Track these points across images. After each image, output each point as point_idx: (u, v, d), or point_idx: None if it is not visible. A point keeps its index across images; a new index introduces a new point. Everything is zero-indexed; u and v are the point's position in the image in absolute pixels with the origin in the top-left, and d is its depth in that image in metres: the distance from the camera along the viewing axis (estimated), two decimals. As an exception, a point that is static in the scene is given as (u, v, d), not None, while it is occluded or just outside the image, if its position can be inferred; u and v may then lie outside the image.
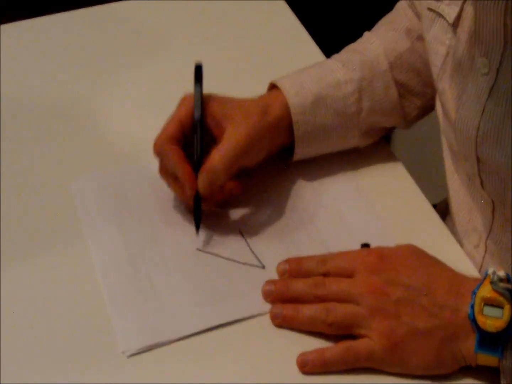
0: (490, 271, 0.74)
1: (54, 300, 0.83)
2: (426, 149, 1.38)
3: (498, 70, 0.77)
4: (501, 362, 0.74)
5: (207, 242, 0.88)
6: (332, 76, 0.93)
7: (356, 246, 0.85)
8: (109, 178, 0.95)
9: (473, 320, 0.74)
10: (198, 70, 0.90)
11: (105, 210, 0.91)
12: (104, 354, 0.78)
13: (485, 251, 0.89)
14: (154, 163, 0.94)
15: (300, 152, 0.93)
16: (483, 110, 0.79)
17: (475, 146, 0.81)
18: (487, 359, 0.75)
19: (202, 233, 0.88)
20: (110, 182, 0.94)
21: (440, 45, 0.84)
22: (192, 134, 0.88)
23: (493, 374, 0.76)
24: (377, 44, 0.96)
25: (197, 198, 0.87)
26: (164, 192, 0.92)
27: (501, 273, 0.73)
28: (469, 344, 0.75)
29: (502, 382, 0.75)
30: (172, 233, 0.89)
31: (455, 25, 0.82)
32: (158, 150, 0.88)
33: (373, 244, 0.84)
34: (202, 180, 0.86)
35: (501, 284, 0.72)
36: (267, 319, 0.81)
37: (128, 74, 1.09)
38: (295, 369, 0.77)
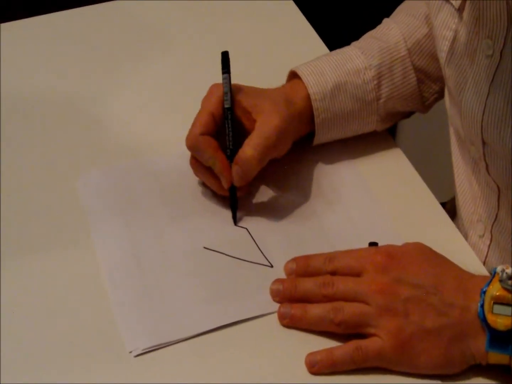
0: (499, 269, 0.73)
1: (59, 298, 0.83)
2: (434, 148, 1.38)
3: (502, 52, 0.77)
4: None
5: (215, 240, 0.87)
6: (351, 63, 0.94)
7: (363, 243, 0.84)
8: (114, 174, 0.95)
9: (483, 320, 0.73)
10: (225, 57, 0.90)
11: (110, 207, 0.91)
12: (110, 354, 0.78)
13: (491, 240, 0.89)
14: (159, 159, 0.95)
15: (320, 138, 0.94)
16: (488, 93, 0.79)
17: (480, 129, 0.81)
18: (498, 357, 0.74)
19: (209, 231, 0.88)
20: (115, 178, 0.94)
21: (447, 30, 0.85)
22: (223, 124, 0.89)
23: (503, 373, 0.75)
24: (396, 30, 0.96)
25: (233, 189, 0.88)
26: (170, 188, 0.92)
27: (510, 271, 0.72)
28: (479, 343, 0.74)
29: None
30: (179, 231, 0.89)
31: (460, 9, 0.82)
32: (192, 144, 0.88)
33: (380, 241, 0.84)
34: (237, 172, 0.87)
35: (511, 282, 0.72)
36: (274, 318, 0.81)
37: (131, 71, 1.08)
38: (303, 369, 0.77)
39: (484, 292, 0.74)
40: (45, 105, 1.03)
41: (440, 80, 0.96)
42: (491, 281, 0.74)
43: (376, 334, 0.76)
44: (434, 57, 0.95)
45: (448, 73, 0.86)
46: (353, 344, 0.77)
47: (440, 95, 0.98)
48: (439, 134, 0.94)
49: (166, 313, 0.81)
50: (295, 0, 1.18)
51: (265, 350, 0.79)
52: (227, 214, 0.90)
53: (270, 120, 0.88)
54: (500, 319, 0.72)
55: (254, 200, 0.92)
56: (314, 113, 0.92)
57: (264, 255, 0.86)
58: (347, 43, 0.99)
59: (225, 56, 0.90)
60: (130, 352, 0.78)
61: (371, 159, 0.96)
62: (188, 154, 0.91)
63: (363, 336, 0.77)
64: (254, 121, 0.88)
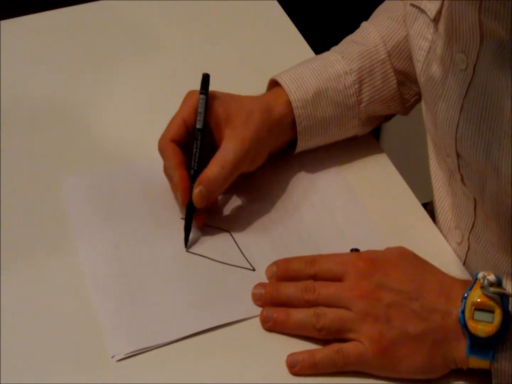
0: (480, 275, 0.73)
1: (42, 303, 0.82)
2: (417, 149, 1.38)
3: (475, 67, 0.77)
4: (493, 365, 0.74)
5: (197, 244, 0.87)
6: (332, 68, 0.94)
7: (346, 246, 0.84)
8: (99, 178, 0.94)
9: (464, 326, 0.74)
10: (205, 80, 0.89)
11: (95, 212, 0.90)
12: (93, 358, 0.78)
13: (468, 248, 0.89)
14: (145, 163, 0.94)
15: (303, 145, 0.94)
16: (462, 107, 0.79)
17: (455, 142, 0.81)
18: (479, 362, 0.74)
19: (193, 235, 0.88)
20: (101, 182, 0.93)
21: (423, 40, 0.85)
22: (193, 139, 0.88)
23: (483, 377, 0.76)
24: (375, 33, 0.96)
25: (190, 208, 0.87)
26: (155, 193, 0.92)
27: (491, 277, 0.72)
28: (460, 348, 0.75)
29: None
30: (163, 235, 0.88)
31: (436, 20, 0.82)
32: (160, 148, 0.88)
33: (363, 243, 0.84)
34: (200, 192, 0.85)
35: (492, 289, 0.72)
36: (256, 322, 0.81)
37: (118, 73, 1.08)
38: (284, 369, 0.77)
39: (465, 298, 0.74)
40: (30, 107, 1.02)
41: None
42: (472, 286, 0.74)
43: (357, 340, 0.76)
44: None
45: (424, 83, 0.86)
46: (334, 347, 0.77)
47: (420, 97, 0.97)
48: (423, 136, 0.94)
49: (148, 318, 0.81)
50: (279, 0, 1.17)
51: (247, 353, 0.79)
52: (210, 218, 0.89)
53: (238, 135, 0.87)
54: (480, 325, 0.73)
55: (237, 204, 0.92)
56: (296, 120, 0.91)
57: (246, 258, 0.86)
58: (331, 43, 0.99)
59: (205, 79, 0.89)
60: (113, 357, 0.78)
61: (355, 163, 0.96)
62: None
63: (346, 340, 0.77)
64: (223, 134, 0.87)
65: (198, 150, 0.87)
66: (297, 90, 0.91)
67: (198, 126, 0.87)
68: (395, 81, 0.95)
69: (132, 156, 0.97)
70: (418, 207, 0.93)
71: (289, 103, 0.91)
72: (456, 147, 0.81)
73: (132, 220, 0.89)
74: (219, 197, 0.90)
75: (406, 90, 0.96)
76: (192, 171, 0.87)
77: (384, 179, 0.95)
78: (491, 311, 0.73)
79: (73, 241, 0.87)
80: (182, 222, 0.88)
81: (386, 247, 0.81)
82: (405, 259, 0.80)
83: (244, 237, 0.88)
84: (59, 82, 1.06)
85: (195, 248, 0.87)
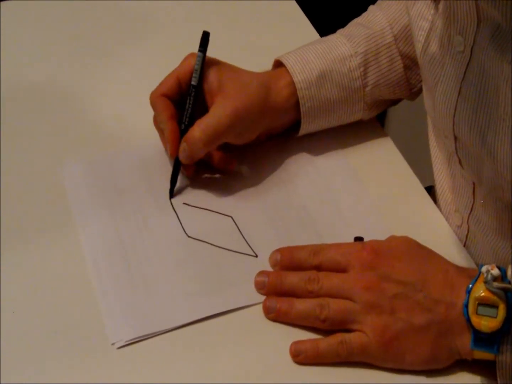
0: (484, 269, 0.72)
1: (42, 290, 0.81)
2: (420, 133, 1.37)
3: (472, 49, 0.76)
4: (497, 357, 0.73)
5: (199, 229, 0.86)
6: (337, 50, 0.93)
7: (349, 231, 0.84)
8: (99, 162, 0.93)
9: (468, 320, 0.73)
10: (205, 38, 0.89)
11: (95, 195, 0.89)
12: (93, 346, 0.77)
13: (468, 231, 0.89)
14: (145, 147, 0.94)
15: (306, 128, 0.93)
16: (460, 90, 0.78)
17: (452, 124, 0.81)
18: (483, 354, 0.74)
19: (194, 221, 0.87)
20: (101, 166, 0.93)
21: (423, 21, 0.83)
22: (186, 97, 0.89)
23: (488, 368, 0.75)
24: (381, 17, 0.95)
25: (177, 163, 0.89)
26: (156, 176, 0.91)
27: (495, 272, 0.72)
28: (464, 340, 0.74)
29: (498, 376, 0.74)
30: (164, 219, 0.87)
31: (436, 0, 0.81)
32: (152, 101, 0.90)
33: (367, 231, 0.83)
34: (184, 150, 0.87)
35: (495, 284, 0.71)
36: (259, 308, 0.80)
37: (117, 56, 1.07)
38: (287, 358, 0.77)
39: (469, 292, 0.73)
40: (27, 92, 1.01)
41: None
42: (476, 280, 0.73)
43: (361, 331, 0.76)
44: None
45: (424, 64, 0.85)
46: (338, 337, 0.76)
47: None
48: (426, 120, 0.93)
49: (149, 304, 0.80)
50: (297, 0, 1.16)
51: (250, 340, 0.78)
52: (212, 203, 0.89)
53: (227, 104, 0.87)
54: (484, 321, 0.72)
55: (239, 189, 0.91)
56: (300, 101, 0.91)
57: (249, 244, 0.85)
58: (338, 27, 0.98)
59: (205, 36, 0.89)
60: (113, 344, 0.77)
61: (359, 146, 0.95)
62: None
63: (349, 330, 0.77)
64: (214, 100, 0.88)
65: (190, 106, 0.88)
66: (301, 71, 0.91)
67: (193, 82, 0.88)
68: (401, 65, 0.94)
69: (132, 139, 0.96)
70: (421, 191, 0.92)
71: (292, 84, 0.91)
72: (453, 129, 0.81)
73: (132, 204, 0.89)
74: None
75: (412, 75, 0.96)
76: (183, 125, 0.88)
77: (388, 163, 0.95)
78: (495, 306, 0.72)
79: (73, 226, 0.87)
80: (184, 207, 0.88)
81: (390, 233, 0.81)
82: (410, 249, 0.79)
83: (246, 223, 0.87)
84: (56, 66, 1.05)
85: (196, 234, 0.86)
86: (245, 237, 0.86)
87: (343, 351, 0.76)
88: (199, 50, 0.88)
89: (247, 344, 0.78)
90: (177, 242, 0.85)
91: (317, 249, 0.81)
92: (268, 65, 0.95)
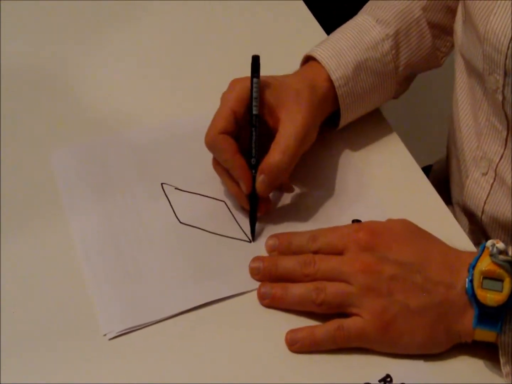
0: (489, 243, 0.72)
1: (32, 279, 0.80)
2: (416, 112, 1.36)
3: None
4: (500, 338, 0.72)
5: (191, 215, 0.85)
6: (368, 36, 0.92)
7: (347, 216, 0.83)
8: (89, 148, 0.92)
9: (472, 295, 0.72)
10: (255, 62, 0.85)
11: (85, 183, 0.88)
12: (85, 337, 0.76)
13: (494, 179, 0.88)
14: (137, 133, 0.92)
15: (345, 121, 0.92)
16: None
17: (505, 57, 0.80)
18: (485, 334, 0.73)
19: (187, 206, 0.85)
20: (91, 153, 0.91)
21: None
22: (247, 127, 0.84)
23: (487, 352, 0.74)
24: None
25: (254, 198, 0.83)
26: (147, 164, 0.90)
27: (501, 245, 0.71)
28: (465, 321, 0.73)
29: (501, 358, 0.73)
30: (156, 207, 0.86)
31: None
32: (211, 143, 0.84)
33: (364, 212, 0.83)
34: (263, 181, 0.82)
35: (501, 257, 0.71)
36: (254, 295, 0.79)
37: (107, 37, 1.05)
38: (283, 346, 0.75)
39: (473, 267, 0.72)
40: (14, 74, 0.99)
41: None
42: (480, 256, 0.72)
43: (358, 314, 0.75)
44: (447, 8, 0.94)
45: None
46: (335, 323, 0.75)
47: (452, 47, 0.97)
48: (422, 99, 0.92)
49: (142, 294, 0.79)
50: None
51: (245, 329, 0.77)
52: (204, 189, 0.87)
53: (295, 117, 0.84)
54: (490, 294, 0.71)
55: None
56: (339, 99, 0.89)
57: (242, 229, 0.84)
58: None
59: (255, 60, 0.85)
60: (105, 335, 0.76)
61: (356, 130, 0.93)
62: (167, 127, 0.91)
63: (345, 314, 0.76)
64: (278, 119, 0.84)
65: (256, 137, 0.84)
66: (337, 68, 0.89)
67: (255, 112, 0.84)
68: (430, 38, 0.94)
69: (123, 125, 0.94)
70: (421, 177, 0.90)
71: (329, 80, 0.89)
72: (505, 64, 0.80)
73: (124, 191, 0.87)
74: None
75: (441, 43, 0.96)
76: (254, 160, 0.83)
77: (385, 145, 0.93)
78: (500, 280, 0.71)
79: (64, 215, 0.85)
80: (176, 192, 0.86)
81: (387, 216, 0.80)
82: (408, 230, 0.78)
83: (240, 207, 0.85)
84: (46, 50, 1.03)
85: (189, 220, 0.85)
86: (239, 222, 0.84)
87: (340, 337, 0.74)
88: (254, 76, 0.84)
89: (242, 333, 0.77)
90: (169, 229, 0.84)
91: (316, 234, 0.79)
92: (275, 66, 0.92)
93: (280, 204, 0.86)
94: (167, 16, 1.07)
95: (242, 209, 0.85)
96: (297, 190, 0.88)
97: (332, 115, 0.91)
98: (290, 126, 0.83)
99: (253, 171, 0.83)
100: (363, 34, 0.92)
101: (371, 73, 0.91)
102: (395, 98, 0.96)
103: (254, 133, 0.84)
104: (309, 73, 0.90)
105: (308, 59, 0.92)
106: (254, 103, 0.84)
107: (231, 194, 0.86)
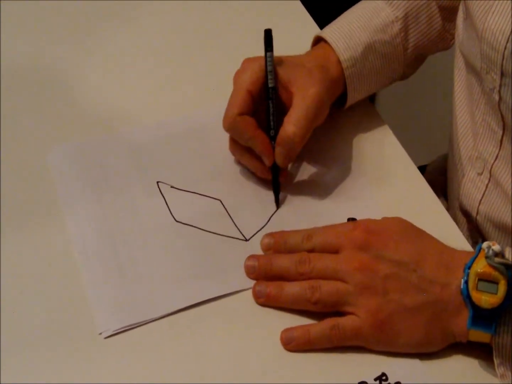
0: (485, 245, 0.72)
1: (28, 278, 0.80)
2: (412, 111, 1.36)
3: None
4: (494, 339, 0.72)
5: (187, 214, 0.85)
6: (378, 17, 0.92)
7: (342, 214, 0.82)
8: (86, 147, 0.91)
9: (467, 296, 0.72)
10: (268, 35, 0.87)
11: (82, 182, 0.88)
12: (80, 336, 0.76)
13: (489, 180, 0.88)
14: (134, 131, 0.92)
15: (352, 101, 0.93)
16: None
17: (502, 58, 0.80)
18: (479, 335, 0.73)
19: (182, 205, 0.85)
20: (88, 151, 0.91)
21: None
22: (263, 102, 0.85)
23: (482, 351, 0.74)
24: None
25: (275, 170, 0.86)
26: (143, 162, 0.89)
27: (496, 248, 0.71)
28: (460, 320, 0.73)
29: (495, 359, 0.73)
30: (152, 205, 0.86)
31: None
32: (231, 125, 0.85)
33: (359, 211, 0.82)
34: (280, 153, 0.84)
35: (497, 259, 0.71)
36: (249, 294, 0.79)
37: (104, 34, 1.04)
38: (278, 345, 0.75)
39: (469, 268, 0.72)
40: (14, 74, 0.99)
41: None
42: (475, 257, 0.72)
43: (354, 313, 0.75)
44: None
45: None
46: (330, 322, 0.75)
47: None
48: (418, 96, 0.92)
49: (137, 293, 0.78)
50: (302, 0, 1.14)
51: (241, 327, 0.77)
52: (200, 187, 0.87)
53: (307, 91, 0.85)
54: (485, 296, 0.71)
55: (228, 171, 0.89)
56: (346, 80, 0.90)
57: (238, 228, 0.84)
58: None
59: (268, 34, 0.87)
60: (100, 333, 0.76)
61: (351, 126, 0.94)
62: (164, 126, 0.90)
63: (341, 313, 0.76)
64: (291, 93, 0.85)
65: (274, 109, 0.85)
66: (346, 49, 0.90)
67: (271, 85, 0.85)
68: (440, 21, 0.95)
69: (120, 124, 0.94)
70: (417, 176, 0.90)
71: (339, 62, 0.90)
72: (502, 64, 0.80)
73: (120, 190, 0.87)
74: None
75: (451, 26, 0.96)
76: (273, 131, 0.85)
77: (381, 143, 0.93)
78: (495, 282, 0.71)
79: (60, 214, 0.85)
80: (172, 191, 0.86)
81: (383, 215, 0.79)
82: (403, 229, 0.78)
83: (236, 206, 0.86)
84: (45, 49, 1.03)
85: (185, 218, 0.84)
86: (234, 221, 0.84)
87: (335, 336, 0.74)
88: (267, 50, 0.86)
89: (238, 331, 0.77)
90: (165, 227, 0.84)
91: (311, 233, 0.79)
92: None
93: (273, 200, 0.86)
94: (167, 16, 1.07)
95: (238, 207, 0.85)
96: (292, 188, 0.88)
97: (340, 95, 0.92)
98: (303, 99, 0.85)
99: (273, 142, 0.85)
100: (373, 16, 0.92)
101: (379, 55, 0.91)
102: (403, 79, 0.97)
103: (271, 106, 0.85)
104: (320, 54, 0.91)
105: (319, 40, 0.93)
106: (269, 76, 0.85)
107: (252, 170, 0.87)
